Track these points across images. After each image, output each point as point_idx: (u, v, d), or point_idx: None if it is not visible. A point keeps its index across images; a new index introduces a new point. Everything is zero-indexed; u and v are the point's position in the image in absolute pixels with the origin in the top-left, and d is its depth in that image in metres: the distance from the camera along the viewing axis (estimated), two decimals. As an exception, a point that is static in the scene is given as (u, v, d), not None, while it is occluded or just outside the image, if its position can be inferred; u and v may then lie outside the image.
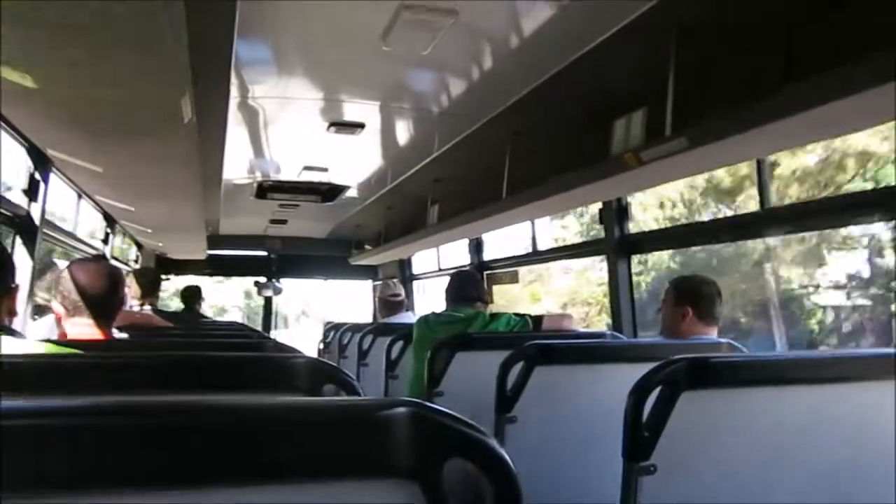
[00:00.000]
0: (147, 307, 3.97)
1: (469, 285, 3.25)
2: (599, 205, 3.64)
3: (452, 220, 4.39)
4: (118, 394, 1.13)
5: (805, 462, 1.47)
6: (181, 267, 7.80)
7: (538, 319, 3.11)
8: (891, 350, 1.54)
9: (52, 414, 0.61)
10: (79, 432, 0.60)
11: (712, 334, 2.45)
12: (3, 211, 3.20)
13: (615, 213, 3.62)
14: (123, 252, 6.61)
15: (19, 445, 0.57)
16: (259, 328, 7.15)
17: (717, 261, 5.94)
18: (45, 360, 1.35)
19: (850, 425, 1.49)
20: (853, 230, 4.64)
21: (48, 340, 1.71)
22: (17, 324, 3.20)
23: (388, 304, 4.80)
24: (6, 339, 1.53)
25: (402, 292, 4.89)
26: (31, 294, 3.53)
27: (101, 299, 1.94)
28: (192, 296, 5.74)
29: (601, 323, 7.95)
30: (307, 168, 4.83)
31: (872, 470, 1.48)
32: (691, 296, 2.47)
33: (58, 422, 0.60)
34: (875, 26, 1.76)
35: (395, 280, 5.31)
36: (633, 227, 3.63)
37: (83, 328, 1.94)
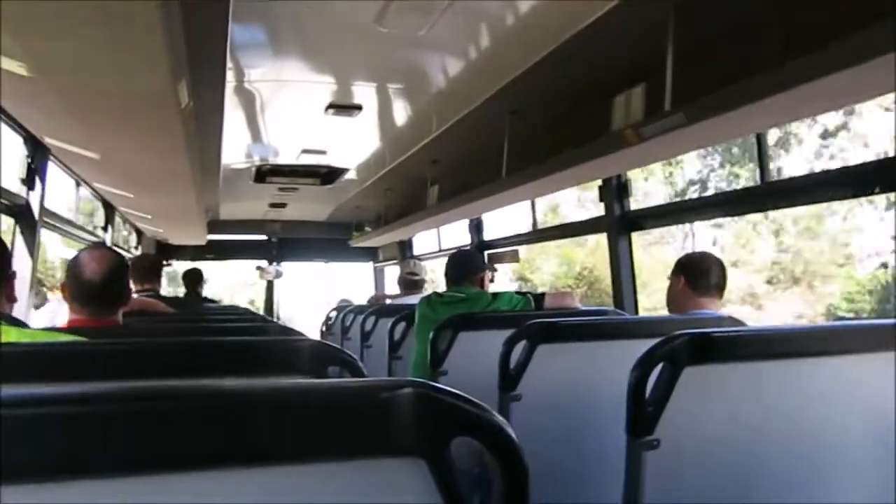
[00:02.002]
0: (134, 294, 3.95)
1: (468, 264, 3.24)
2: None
3: (452, 200, 4.38)
4: (122, 380, 1.14)
5: (808, 434, 1.48)
6: (182, 252, 7.81)
7: (540, 298, 3.12)
8: (892, 321, 1.55)
9: (54, 401, 0.61)
10: (82, 419, 0.60)
11: (713, 308, 2.45)
12: (2, 200, 3.20)
13: (615, 190, 3.61)
14: (124, 239, 6.61)
15: (21, 433, 0.57)
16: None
17: None
18: (46, 347, 1.35)
19: (854, 397, 1.50)
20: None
21: (50, 329, 1.72)
22: (20, 312, 3.23)
23: (406, 282, 4.81)
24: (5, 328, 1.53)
25: (421, 273, 4.88)
26: (33, 282, 3.54)
27: (104, 287, 1.95)
28: (193, 279, 5.73)
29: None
30: (305, 151, 4.81)
31: (876, 441, 1.50)
32: (685, 266, 2.49)
33: (60, 409, 0.60)
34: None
35: (415, 260, 5.31)
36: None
37: (86, 315, 1.95)
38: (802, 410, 1.49)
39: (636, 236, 3.55)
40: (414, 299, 4.41)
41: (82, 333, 1.59)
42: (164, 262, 6.12)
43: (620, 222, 3.61)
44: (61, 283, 2.01)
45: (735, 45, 2.31)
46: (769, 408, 1.47)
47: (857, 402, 1.51)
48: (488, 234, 5.73)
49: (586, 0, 2.31)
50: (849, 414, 1.50)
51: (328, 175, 5.57)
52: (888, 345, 1.49)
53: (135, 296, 3.74)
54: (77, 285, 1.95)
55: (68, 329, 1.76)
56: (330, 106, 3.59)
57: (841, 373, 1.50)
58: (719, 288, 2.47)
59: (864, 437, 1.51)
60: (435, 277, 7.36)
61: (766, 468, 1.47)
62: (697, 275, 2.45)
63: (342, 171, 5.41)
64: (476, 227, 5.80)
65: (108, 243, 5.40)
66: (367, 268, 8.79)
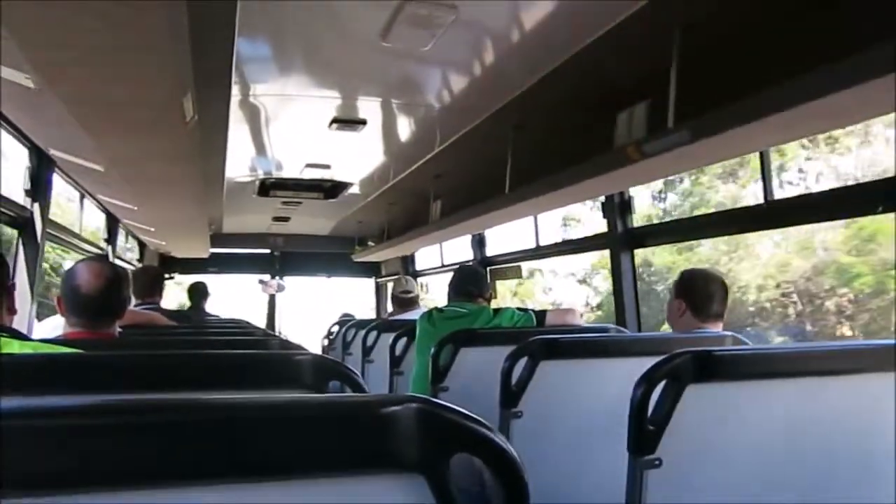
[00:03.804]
0: (136, 307, 3.92)
1: (472, 280, 3.24)
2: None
3: (455, 215, 4.39)
4: (122, 393, 1.13)
5: (811, 454, 1.47)
6: (184, 265, 7.81)
7: (542, 314, 3.11)
8: (895, 342, 1.54)
9: (55, 413, 0.61)
10: (84, 432, 0.60)
11: (714, 330, 2.43)
12: (6, 211, 3.21)
13: (618, 207, 3.61)
14: (127, 251, 6.62)
15: (20, 444, 0.57)
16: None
17: None
18: (46, 358, 1.35)
19: (857, 416, 1.49)
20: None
21: (48, 341, 1.72)
22: (21, 324, 3.22)
23: (400, 300, 4.77)
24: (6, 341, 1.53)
25: (415, 289, 4.86)
26: (35, 294, 3.54)
27: (99, 299, 1.95)
28: (197, 293, 5.71)
29: None
30: (309, 165, 4.83)
31: (878, 461, 1.48)
32: (686, 290, 2.44)
33: (61, 421, 0.60)
34: (876, 19, 1.75)
35: (407, 277, 5.29)
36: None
37: (82, 327, 1.94)
38: (805, 430, 1.48)
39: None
40: (409, 316, 4.39)
41: (81, 346, 1.58)
42: (167, 276, 6.10)
43: (623, 239, 3.61)
44: (57, 295, 2.00)
45: (738, 63, 2.31)
46: (772, 427, 1.47)
47: (860, 422, 1.50)
48: (491, 250, 5.74)
49: (591, 17, 2.32)
50: (851, 434, 1.49)
51: (332, 189, 5.58)
52: (890, 365, 1.49)
53: (136, 308, 3.75)
54: (74, 297, 1.94)
55: (66, 341, 1.76)
56: (334, 121, 3.60)
57: (844, 392, 1.49)
58: (720, 315, 2.43)
59: (866, 457, 1.50)
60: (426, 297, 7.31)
61: (768, 487, 1.46)
62: (700, 301, 2.40)
63: (346, 185, 5.43)
64: (479, 242, 5.80)
65: (111, 255, 5.40)
66: (368, 284, 8.79)
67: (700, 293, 2.41)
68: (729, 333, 2.35)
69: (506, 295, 7.71)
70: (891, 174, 2.32)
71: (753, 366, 1.49)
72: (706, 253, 5.19)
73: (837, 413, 1.49)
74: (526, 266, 5.48)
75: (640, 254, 3.67)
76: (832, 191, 2.58)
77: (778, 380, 1.47)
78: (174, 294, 8.78)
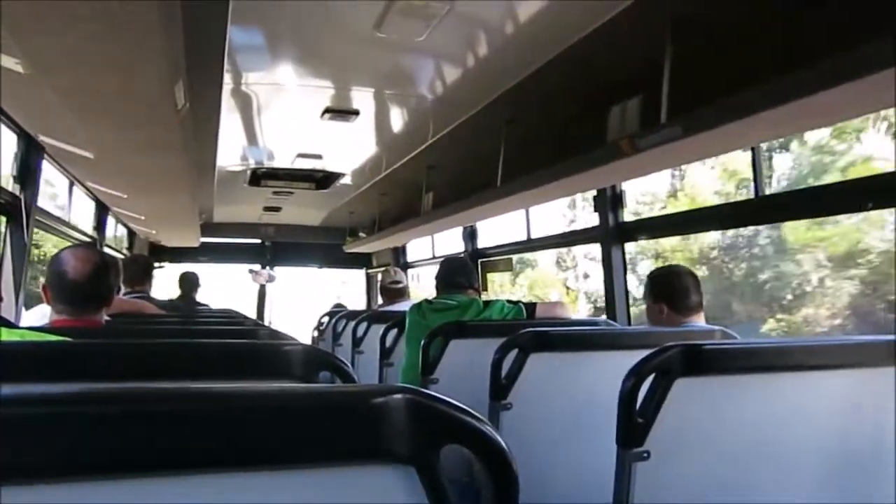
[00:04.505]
0: (125, 295, 3.90)
1: (460, 272, 3.23)
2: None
3: (447, 207, 4.38)
4: (109, 381, 1.13)
5: (799, 448, 1.48)
6: (175, 255, 7.78)
7: (532, 307, 3.11)
8: (886, 337, 1.55)
9: (41, 401, 0.60)
10: (69, 419, 0.59)
11: (698, 321, 2.45)
12: None
13: (609, 201, 3.62)
14: (116, 240, 6.58)
15: (6, 432, 0.57)
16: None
17: None
18: (33, 346, 1.34)
19: (845, 412, 1.50)
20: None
21: (36, 328, 1.71)
22: (9, 312, 3.20)
23: (388, 291, 4.76)
24: None
25: (404, 279, 4.85)
26: (22, 282, 3.52)
27: (86, 285, 1.93)
28: (187, 283, 5.68)
29: None
30: (301, 155, 4.81)
31: (866, 455, 1.49)
32: (664, 291, 2.47)
33: (47, 409, 0.60)
34: (867, 16, 1.76)
35: (396, 267, 5.27)
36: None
37: (68, 315, 1.93)
38: (794, 424, 1.49)
39: None
40: (398, 307, 4.38)
41: (67, 334, 1.57)
42: (157, 265, 6.06)
43: (614, 233, 3.61)
44: (42, 283, 1.98)
45: (732, 59, 2.32)
46: (760, 421, 1.47)
47: (847, 417, 1.51)
48: (483, 242, 5.73)
49: (585, 10, 2.32)
50: (840, 428, 1.50)
51: (323, 180, 5.56)
52: (878, 360, 1.50)
53: (125, 297, 3.73)
54: (60, 283, 1.92)
55: (53, 329, 1.75)
56: (327, 111, 3.58)
57: (833, 387, 1.50)
58: (700, 304, 2.46)
59: (853, 452, 1.51)
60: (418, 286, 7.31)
61: (755, 481, 1.47)
62: (678, 298, 2.43)
63: (337, 175, 5.41)
64: (470, 234, 5.79)
65: (100, 244, 5.37)
66: (359, 275, 8.78)
67: (676, 291, 2.44)
68: (718, 328, 2.37)
69: (510, 286, 7.71)
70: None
71: (742, 360, 1.49)
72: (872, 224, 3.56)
73: (826, 408, 1.50)
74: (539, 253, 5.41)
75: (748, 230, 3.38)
76: (822, 187, 2.60)
77: (767, 374, 1.48)
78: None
